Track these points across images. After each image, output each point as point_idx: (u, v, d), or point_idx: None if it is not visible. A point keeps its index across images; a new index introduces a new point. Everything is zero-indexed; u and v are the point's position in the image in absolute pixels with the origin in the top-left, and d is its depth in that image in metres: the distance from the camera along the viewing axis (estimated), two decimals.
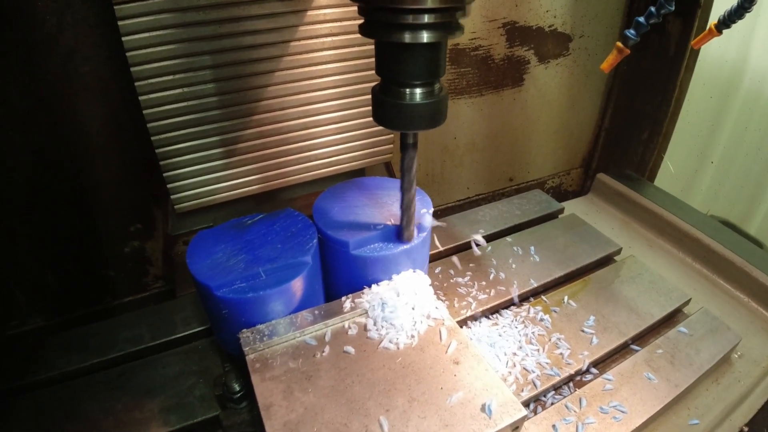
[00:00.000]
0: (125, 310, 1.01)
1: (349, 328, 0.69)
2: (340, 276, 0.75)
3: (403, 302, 0.70)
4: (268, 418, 0.58)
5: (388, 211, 0.77)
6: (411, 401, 0.60)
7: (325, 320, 0.69)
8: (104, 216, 0.94)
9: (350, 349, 0.66)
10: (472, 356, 0.66)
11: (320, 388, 0.62)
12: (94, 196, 0.92)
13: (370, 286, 0.73)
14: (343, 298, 0.72)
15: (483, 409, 0.60)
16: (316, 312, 0.71)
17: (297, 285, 0.68)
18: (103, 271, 1.00)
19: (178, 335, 0.85)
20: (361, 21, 0.57)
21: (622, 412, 0.73)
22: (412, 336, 0.68)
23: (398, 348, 0.67)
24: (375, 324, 0.69)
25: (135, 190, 0.94)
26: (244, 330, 0.67)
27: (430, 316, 0.71)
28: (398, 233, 0.74)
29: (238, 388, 0.69)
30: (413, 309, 0.70)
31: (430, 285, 0.75)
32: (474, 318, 0.88)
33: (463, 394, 0.61)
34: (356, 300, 0.72)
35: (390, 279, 0.74)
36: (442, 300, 0.89)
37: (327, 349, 0.67)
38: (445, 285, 0.93)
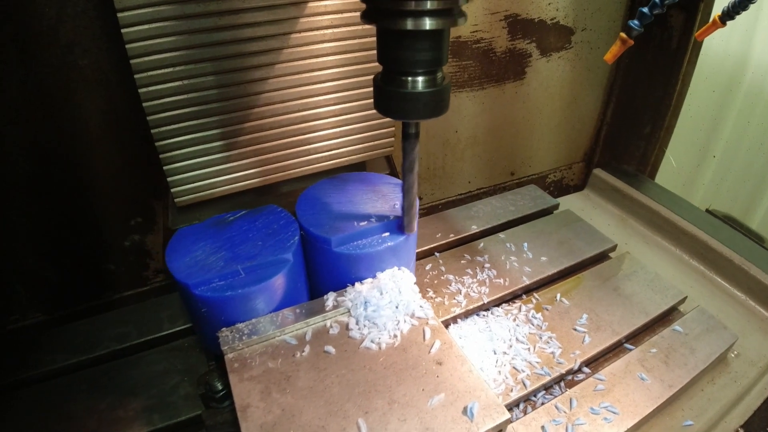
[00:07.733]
0: (126, 304, 1.00)
1: (331, 327, 0.68)
2: (324, 274, 0.74)
3: (386, 301, 0.68)
4: (244, 420, 0.57)
5: (373, 208, 0.75)
6: (391, 403, 0.59)
7: (306, 319, 0.68)
8: (104, 209, 0.93)
9: (331, 348, 0.65)
10: (455, 357, 0.64)
11: (298, 389, 0.60)
12: (94, 189, 0.91)
13: (353, 284, 0.72)
14: (326, 296, 0.71)
15: (465, 411, 0.58)
16: (297, 310, 0.69)
17: (277, 283, 0.67)
18: (104, 264, 0.99)
19: (164, 333, 0.84)
20: (362, 9, 0.56)
21: (614, 413, 0.72)
22: (395, 336, 0.67)
23: (380, 348, 0.65)
24: (357, 323, 0.68)
25: (135, 184, 0.93)
26: (223, 329, 0.66)
27: (414, 315, 0.70)
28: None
29: (220, 387, 0.68)
30: (396, 308, 0.69)
31: (414, 283, 0.73)
32: (465, 315, 0.86)
33: (444, 396, 0.60)
34: (339, 298, 0.70)
35: (374, 277, 0.73)
36: (431, 297, 0.87)
37: (307, 348, 0.65)
38: (435, 282, 0.91)
